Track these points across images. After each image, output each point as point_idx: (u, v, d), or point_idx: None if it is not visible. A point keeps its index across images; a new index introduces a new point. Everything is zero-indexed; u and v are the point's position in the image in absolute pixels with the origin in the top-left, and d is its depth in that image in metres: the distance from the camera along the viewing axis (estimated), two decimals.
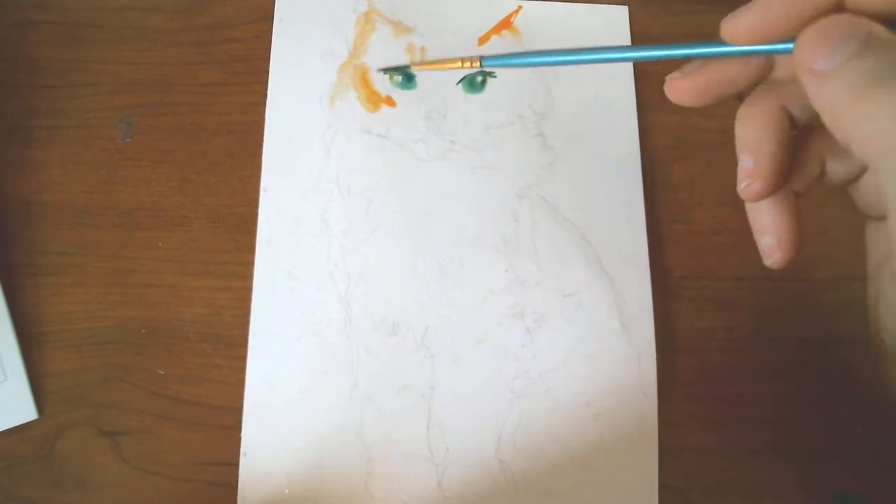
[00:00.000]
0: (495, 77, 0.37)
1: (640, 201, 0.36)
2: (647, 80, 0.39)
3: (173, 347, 0.34)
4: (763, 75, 0.23)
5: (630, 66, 0.38)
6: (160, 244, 0.35)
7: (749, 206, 0.24)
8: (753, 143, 0.23)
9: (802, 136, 0.23)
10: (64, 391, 0.33)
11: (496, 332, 0.34)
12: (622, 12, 0.39)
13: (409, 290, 0.35)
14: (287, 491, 0.32)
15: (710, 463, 0.35)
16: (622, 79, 0.38)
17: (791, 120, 0.23)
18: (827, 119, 0.20)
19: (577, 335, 0.35)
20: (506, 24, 0.38)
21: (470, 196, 0.36)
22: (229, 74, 0.37)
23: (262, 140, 0.36)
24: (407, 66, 0.36)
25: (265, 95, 0.36)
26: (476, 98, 0.37)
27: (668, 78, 0.24)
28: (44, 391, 0.33)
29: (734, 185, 0.38)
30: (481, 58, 0.32)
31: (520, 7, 0.39)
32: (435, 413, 0.34)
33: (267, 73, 0.37)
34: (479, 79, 0.37)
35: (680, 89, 0.24)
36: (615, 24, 0.39)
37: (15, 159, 0.36)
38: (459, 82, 0.37)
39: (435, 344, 0.34)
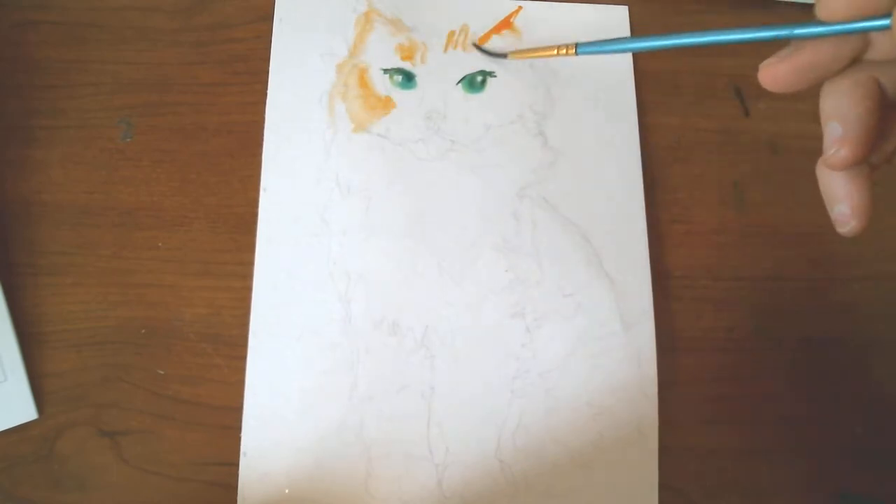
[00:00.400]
0: (495, 77, 0.37)
1: (640, 201, 0.36)
2: (648, 80, 0.39)
3: (173, 347, 0.34)
4: (857, 57, 0.23)
5: (631, 66, 0.38)
6: (160, 244, 0.35)
7: (822, 175, 0.24)
8: (842, 110, 0.22)
9: (885, 109, 0.23)
10: (64, 391, 0.33)
11: (496, 332, 0.34)
12: (622, 12, 0.39)
13: (409, 289, 0.35)
14: (287, 491, 0.32)
15: (710, 463, 0.35)
16: (622, 79, 0.38)
17: (882, 91, 0.22)
18: None
19: (577, 335, 0.35)
20: (506, 24, 0.38)
21: (470, 196, 0.36)
22: (229, 74, 0.37)
23: (262, 140, 0.36)
24: (504, 55, 0.37)
25: (265, 95, 0.36)
26: (476, 98, 0.37)
27: (762, 65, 0.23)
28: (44, 391, 0.33)
29: (734, 185, 0.38)
30: (577, 45, 0.32)
31: (520, 7, 0.39)
32: (435, 413, 0.33)
33: (267, 73, 0.37)
34: (480, 79, 0.37)
35: (776, 75, 0.23)
36: (615, 24, 0.39)
37: (15, 159, 0.36)
38: (459, 82, 0.37)
39: (435, 344, 0.34)
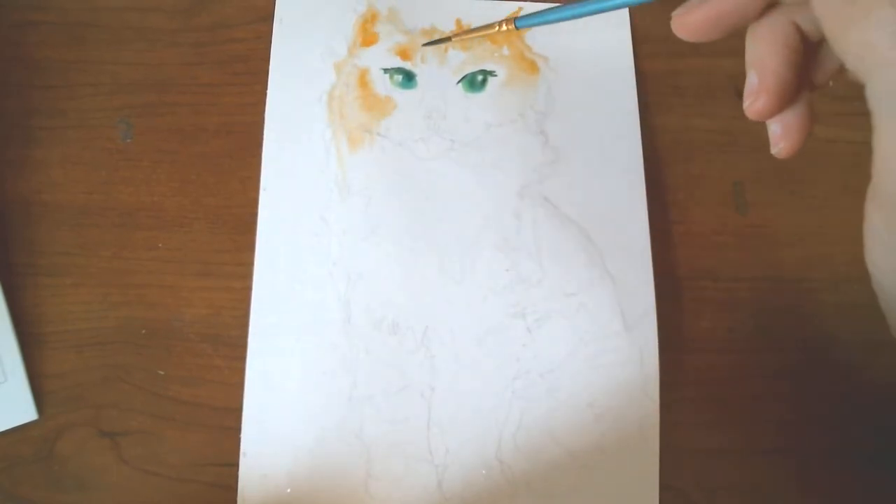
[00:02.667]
0: (496, 76, 0.37)
1: (642, 200, 0.36)
2: (648, 80, 0.39)
3: (173, 348, 0.34)
4: (771, 2, 0.22)
5: (632, 66, 0.38)
6: (160, 244, 0.35)
7: None
8: (759, 60, 0.22)
9: (808, 53, 0.23)
10: (64, 391, 0.33)
11: (497, 332, 0.34)
12: (623, 13, 0.39)
13: (409, 289, 0.35)
14: (289, 490, 0.32)
15: (711, 463, 0.35)
16: (624, 78, 0.38)
17: (802, 36, 0.22)
18: (825, 30, 0.19)
19: (578, 335, 0.34)
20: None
21: (470, 195, 0.36)
22: (229, 75, 0.37)
23: (262, 140, 0.36)
24: (449, 38, 0.37)
25: (265, 96, 0.36)
26: (476, 97, 0.37)
27: (673, 15, 0.23)
28: (44, 391, 0.33)
29: (734, 185, 0.38)
30: (515, 19, 0.32)
31: (520, 8, 0.38)
32: (435, 413, 0.33)
33: (267, 73, 0.37)
34: (480, 78, 0.37)
35: (688, 24, 0.23)
36: (616, 24, 0.39)
37: (15, 159, 0.36)
38: (460, 81, 0.37)
39: (435, 344, 0.34)
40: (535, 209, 0.36)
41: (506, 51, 0.38)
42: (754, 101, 0.22)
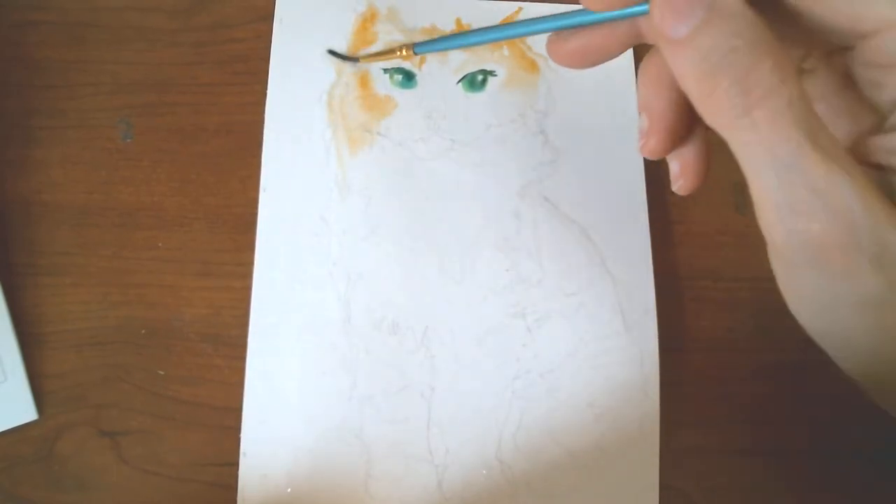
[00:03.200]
0: (496, 76, 0.37)
1: (642, 200, 0.36)
2: None
3: (173, 348, 0.34)
4: (634, 41, 0.23)
5: (632, 65, 0.38)
6: (160, 244, 0.35)
7: None
8: (647, 102, 0.23)
9: None
10: (64, 391, 0.33)
11: (497, 332, 0.34)
12: None
13: (409, 289, 0.35)
14: (289, 490, 0.32)
15: (711, 463, 0.35)
16: (624, 78, 0.38)
17: None
18: (683, 87, 0.19)
19: (578, 335, 0.34)
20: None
21: (471, 194, 0.36)
22: (229, 75, 0.37)
23: (262, 140, 0.36)
24: (357, 59, 0.37)
25: (265, 95, 0.36)
26: (476, 97, 0.37)
27: (548, 40, 0.24)
28: (44, 391, 0.33)
29: (734, 185, 0.38)
30: (414, 44, 0.33)
31: (520, 8, 0.38)
32: (435, 413, 0.33)
33: (267, 73, 0.37)
34: (480, 78, 0.37)
35: (558, 53, 0.24)
36: None
37: (15, 159, 0.36)
38: (460, 81, 0.37)
39: (435, 344, 0.34)
40: (535, 209, 0.36)
41: (506, 51, 0.38)
42: (646, 143, 0.23)
